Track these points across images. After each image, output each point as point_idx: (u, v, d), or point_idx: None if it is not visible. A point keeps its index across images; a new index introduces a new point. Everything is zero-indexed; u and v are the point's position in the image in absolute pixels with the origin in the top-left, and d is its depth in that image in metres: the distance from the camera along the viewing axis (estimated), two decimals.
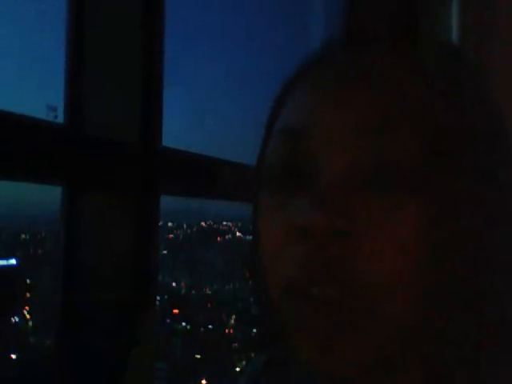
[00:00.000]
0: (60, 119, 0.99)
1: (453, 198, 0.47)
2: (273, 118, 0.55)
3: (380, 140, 0.47)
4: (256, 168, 0.56)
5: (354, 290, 0.46)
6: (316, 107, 0.50)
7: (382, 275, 0.46)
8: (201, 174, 1.23)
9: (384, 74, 0.49)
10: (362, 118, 0.48)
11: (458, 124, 0.49)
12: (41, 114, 0.96)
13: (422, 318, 0.48)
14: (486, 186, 0.49)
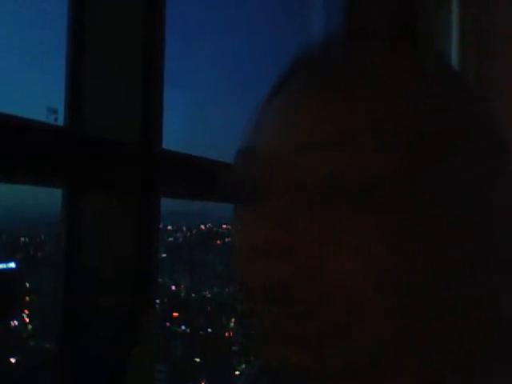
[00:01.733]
0: (60, 121, 0.99)
1: (423, 211, 0.46)
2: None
3: (332, 154, 0.46)
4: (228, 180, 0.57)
5: (316, 307, 0.45)
6: (266, 125, 0.51)
7: (338, 293, 0.45)
8: (200, 177, 1.22)
9: (353, 84, 0.48)
10: (311, 134, 0.47)
11: (448, 128, 0.48)
12: (41, 116, 0.95)
13: (407, 327, 0.47)
14: (471, 196, 0.48)
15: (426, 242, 0.46)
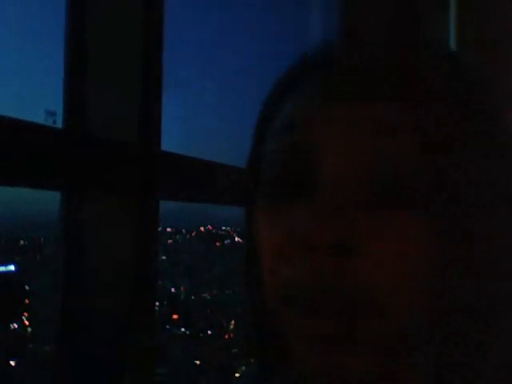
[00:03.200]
0: (59, 124, 0.99)
1: (458, 208, 0.47)
2: (268, 118, 0.54)
3: (387, 150, 0.46)
4: (250, 170, 0.55)
5: (354, 301, 0.45)
6: (320, 116, 0.49)
7: (382, 288, 0.46)
8: (200, 179, 1.22)
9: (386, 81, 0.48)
10: (370, 128, 0.46)
11: (467, 130, 0.48)
12: (40, 118, 0.95)
13: (428, 323, 0.47)
14: (493, 193, 0.49)
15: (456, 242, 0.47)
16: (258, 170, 0.53)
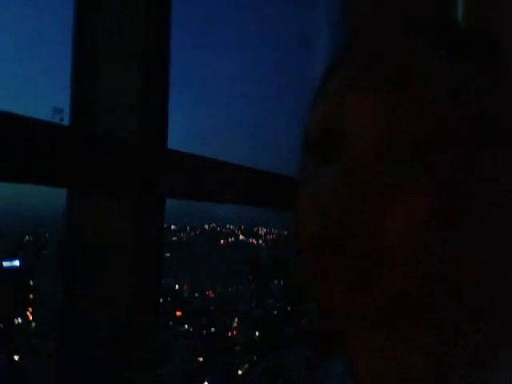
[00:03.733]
0: (66, 121, 1.00)
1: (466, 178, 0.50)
2: (320, 89, 0.59)
3: (405, 123, 0.50)
4: (303, 131, 0.60)
5: (377, 254, 0.49)
6: (352, 93, 0.53)
7: (397, 244, 0.49)
8: (205, 177, 1.23)
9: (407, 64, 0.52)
10: (390, 106, 0.50)
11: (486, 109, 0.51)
12: (48, 116, 0.96)
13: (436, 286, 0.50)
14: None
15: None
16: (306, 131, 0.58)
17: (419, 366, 0.52)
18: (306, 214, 0.53)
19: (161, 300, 1.22)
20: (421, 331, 0.52)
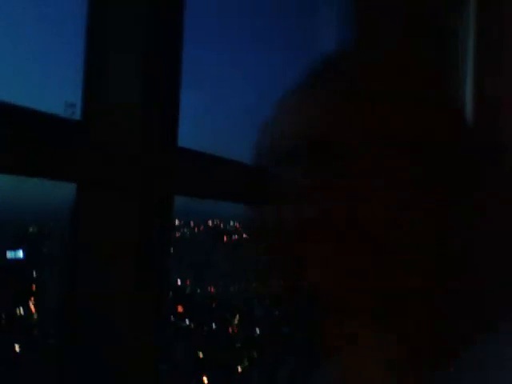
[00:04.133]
0: (77, 116, 1.00)
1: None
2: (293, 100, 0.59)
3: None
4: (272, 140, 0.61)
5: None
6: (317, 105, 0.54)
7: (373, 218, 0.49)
8: (212, 175, 1.23)
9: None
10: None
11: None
12: (60, 110, 0.96)
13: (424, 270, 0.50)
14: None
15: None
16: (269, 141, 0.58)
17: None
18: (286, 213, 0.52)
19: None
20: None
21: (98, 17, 1.05)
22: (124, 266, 1.05)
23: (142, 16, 1.06)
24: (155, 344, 1.08)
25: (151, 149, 1.05)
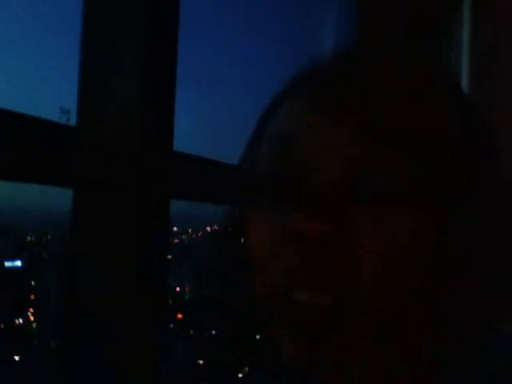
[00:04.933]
0: (73, 122, 1.00)
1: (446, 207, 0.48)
2: (264, 124, 0.56)
3: (371, 151, 0.48)
4: (243, 173, 0.58)
5: (342, 298, 0.46)
6: (311, 117, 0.52)
7: (369, 283, 0.47)
8: (209, 179, 1.23)
9: (377, 88, 0.50)
10: (355, 130, 0.49)
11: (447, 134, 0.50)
12: (55, 116, 0.96)
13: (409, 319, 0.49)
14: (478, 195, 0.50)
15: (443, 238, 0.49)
16: (251, 172, 0.56)
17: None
18: (264, 265, 0.51)
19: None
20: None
21: (95, 16, 1.05)
22: (123, 267, 1.04)
23: (140, 15, 1.06)
24: (155, 344, 1.07)
25: (150, 150, 1.05)
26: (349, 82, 0.52)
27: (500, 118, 1.84)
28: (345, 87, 0.51)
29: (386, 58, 0.55)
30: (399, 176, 0.48)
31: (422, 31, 1.58)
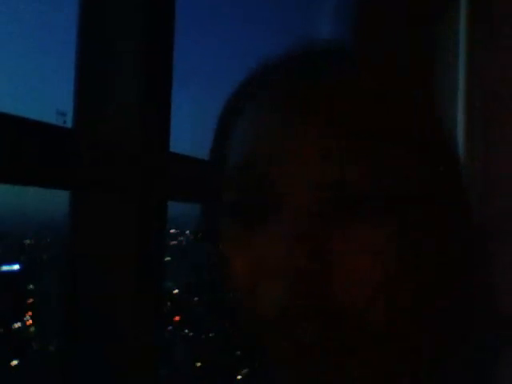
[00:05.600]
0: (68, 124, 1.00)
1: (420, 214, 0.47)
2: (222, 139, 0.54)
3: (342, 163, 0.46)
4: (214, 191, 0.56)
5: (334, 322, 0.46)
6: (271, 135, 0.49)
7: (359, 300, 0.46)
8: (206, 180, 1.22)
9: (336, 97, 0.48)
10: (321, 143, 0.47)
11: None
12: (51, 118, 0.96)
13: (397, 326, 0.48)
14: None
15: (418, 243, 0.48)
16: (221, 191, 0.54)
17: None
18: (249, 294, 0.49)
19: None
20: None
21: (92, 15, 1.05)
22: (123, 267, 1.04)
23: (138, 14, 1.06)
24: (155, 345, 1.07)
25: (150, 150, 1.05)
26: (314, 83, 0.50)
27: (500, 117, 1.84)
28: (301, 101, 0.49)
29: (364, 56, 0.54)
30: (369, 183, 0.46)
31: (414, 30, 1.58)
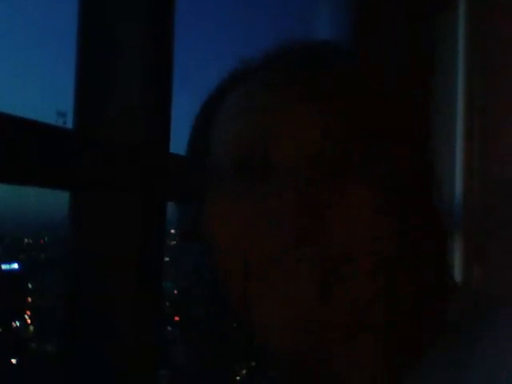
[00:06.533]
0: (69, 124, 1.00)
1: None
2: (212, 111, 0.56)
3: (326, 134, 0.50)
4: (201, 163, 0.57)
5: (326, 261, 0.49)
6: (265, 109, 0.52)
7: (346, 248, 0.49)
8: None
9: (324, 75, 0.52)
10: (308, 117, 0.50)
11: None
12: (51, 119, 0.96)
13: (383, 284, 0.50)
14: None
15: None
16: (207, 161, 0.56)
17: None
18: (237, 244, 0.51)
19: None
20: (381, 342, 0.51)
21: (93, 15, 1.05)
22: (124, 267, 1.04)
23: (140, 12, 1.06)
24: (154, 351, 1.07)
25: (150, 150, 1.05)
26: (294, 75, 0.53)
27: (499, 117, 1.84)
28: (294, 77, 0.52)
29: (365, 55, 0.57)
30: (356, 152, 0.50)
31: (412, 30, 1.59)
